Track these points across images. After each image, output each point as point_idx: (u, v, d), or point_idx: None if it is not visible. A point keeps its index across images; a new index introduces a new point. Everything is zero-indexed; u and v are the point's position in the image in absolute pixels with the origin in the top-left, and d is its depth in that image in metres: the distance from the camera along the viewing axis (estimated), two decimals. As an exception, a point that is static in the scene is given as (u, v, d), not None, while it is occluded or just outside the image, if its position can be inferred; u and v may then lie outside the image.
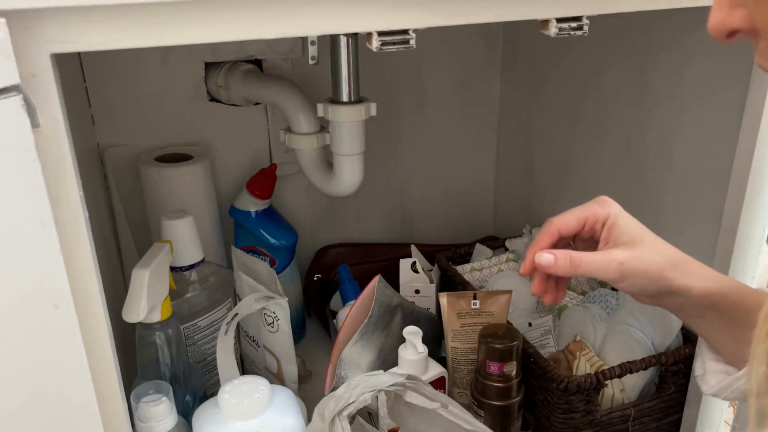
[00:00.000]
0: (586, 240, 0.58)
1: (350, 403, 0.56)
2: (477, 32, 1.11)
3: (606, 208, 0.55)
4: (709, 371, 0.56)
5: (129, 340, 0.71)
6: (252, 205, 0.95)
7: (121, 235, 0.90)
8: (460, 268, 0.98)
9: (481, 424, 0.60)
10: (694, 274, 0.53)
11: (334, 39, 0.78)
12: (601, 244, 0.55)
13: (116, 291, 0.81)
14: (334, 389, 0.74)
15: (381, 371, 0.60)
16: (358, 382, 0.58)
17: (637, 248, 0.53)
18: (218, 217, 0.95)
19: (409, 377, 0.58)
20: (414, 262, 0.94)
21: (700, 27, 0.79)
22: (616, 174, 0.93)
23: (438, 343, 0.88)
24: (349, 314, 0.78)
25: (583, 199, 1.01)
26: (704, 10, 0.61)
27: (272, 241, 0.96)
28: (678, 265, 0.53)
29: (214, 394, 0.65)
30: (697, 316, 0.55)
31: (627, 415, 0.77)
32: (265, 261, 0.94)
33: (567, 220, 0.55)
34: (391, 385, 0.58)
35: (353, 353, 0.75)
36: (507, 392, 0.75)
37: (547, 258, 0.53)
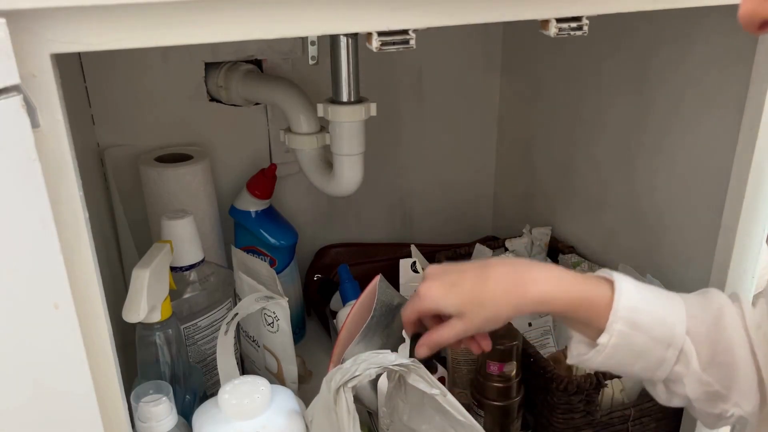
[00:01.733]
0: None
1: (355, 376, 0.58)
2: (477, 32, 1.11)
3: (425, 303, 0.62)
4: (574, 340, 0.62)
5: (129, 340, 0.71)
6: (252, 205, 0.95)
7: (121, 235, 0.90)
8: (460, 268, 0.98)
9: (474, 420, 0.61)
10: (521, 302, 0.59)
11: (334, 39, 0.78)
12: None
13: (116, 291, 0.81)
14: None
15: (388, 350, 0.61)
16: (366, 358, 0.60)
17: (466, 317, 0.60)
18: (218, 217, 0.95)
19: (414, 361, 0.59)
20: (414, 262, 0.94)
21: (700, 27, 0.79)
22: (616, 174, 0.93)
23: (438, 343, 0.88)
24: (349, 314, 0.78)
25: (583, 200, 1.01)
26: (704, 10, 0.61)
27: (272, 241, 0.96)
28: (503, 302, 0.59)
29: (214, 394, 0.65)
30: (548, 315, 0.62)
31: (627, 416, 0.77)
32: (265, 261, 0.94)
33: (408, 316, 0.64)
34: (396, 365, 0.59)
35: (356, 353, 0.75)
36: (507, 392, 0.75)
37: (423, 350, 0.64)
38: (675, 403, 0.60)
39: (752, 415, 0.57)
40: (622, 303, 0.57)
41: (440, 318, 0.64)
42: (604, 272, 0.60)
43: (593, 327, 0.58)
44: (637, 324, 0.57)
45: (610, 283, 0.59)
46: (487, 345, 0.65)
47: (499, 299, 0.59)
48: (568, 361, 0.63)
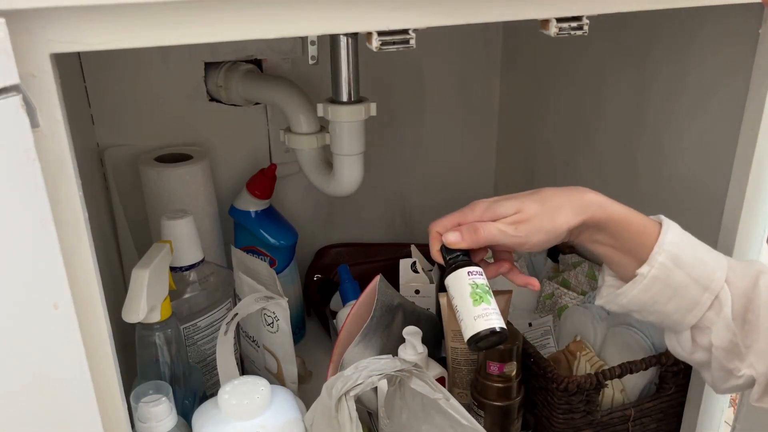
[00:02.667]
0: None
1: (357, 384, 0.58)
2: (477, 32, 1.11)
3: (474, 208, 0.61)
4: (604, 285, 0.63)
5: (129, 340, 0.71)
6: (252, 205, 0.95)
7: (121, 235, 0.90)
8: (460, 268, 0.98)
9: (477, 423, 0.61)
10: (581, 202, 0.59)
11: (334, 39, 0.78)
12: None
13: (116, 291, 0.81)
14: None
15: (390, 356, 0.60)
16: (367, 365, 0.59)
17: (521, 213, 0.58)
18: (218, 217, 0.95)
19: (416, 365, 0.59)
20: (414, 262, 0.94)
21: (700, 27, 0.79)
22: (616, 174, 0.93)
23: (438, 343, 0.88)
24: (350, 314, 0.78)
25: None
26: (704, 10, 0.61)
27: (272, 241, 0.96)
28: (563, 203, 0.58)
29: (214, 394, 0.65)
30: (593, 242, 0.61)
31: (627, 416, 0.77)
32: (265, 261, 0.94)
33: (444, 224, 0.61)
34: (398, 370, 0.59)
35: (356, 354, 0.75)
36: (507, 392, 0.75)
37: (454, 235, 0.60)
38: (696, 357, 0.61)
39: (762, 375, 0.58)
40: (669, 237, 0.58)
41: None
42: (655, 217, 0.61)
43: (636, 256, 0.59)
44: (680, 260, 0.57)
45: (658, 223, 0.60)
46: (535, 283, 0.62)
47: (559, 199, 0.59)
48: (597, 302, 0.63)
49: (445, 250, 0.61)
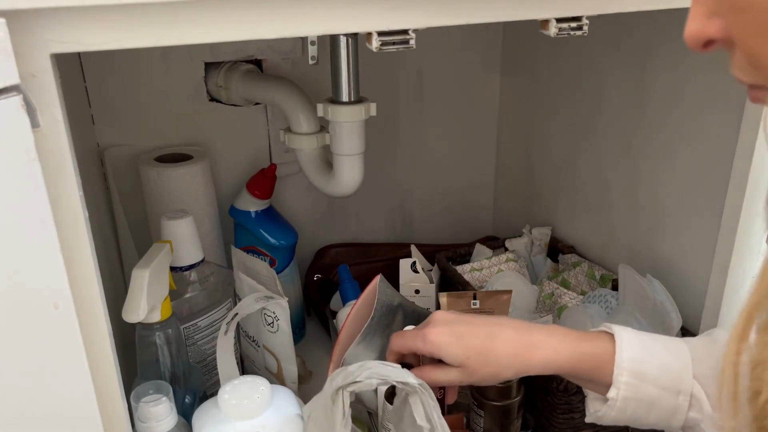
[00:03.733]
0: None
1: (357, 381, 0.58)
2: (477, 32, 1.11)
3: (427, 347, 0.62)
4: (588, 398, 0.62)
5: (129, 340, 0.71)
6: (252, 205, 0.95)
7: (121, 235, 0.90)
8: (460, 268, 0.98)
9: None
10: (526, 366, 0.60)
11: (334, 39, 0.78)
12: None
13: (116, 291, 0.81)
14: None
15: (398, 366, 0.61)
16: (372, 366, 0.60)
17: (466, 369, 0.61)
18: (218, 217, 0.95)
19: (422, 385, 0.59)
20: (414, 262, 0.94)
21: (700, 27, 0.78)
22: (616, 174, 0.93)
23: (438, 343, 0.87)
24: (350, 314, 0.78)
25: (583, 200, 1.01)
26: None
27: (272, 241, 0.96)
28: (507, 364, 0.60)
29: (214, 394, 0.65)
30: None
31: (627, 415, 0.77)
32: (265, 261, 0.94)
33: (399, 348, 0.65)
34: (401, 382, 0.59)
35: (356, 354, 0.75)
36: (507, 392, 0.75)
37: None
38: None
39: None
40: (625, 355, 0.58)
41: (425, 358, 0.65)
42: (604, 326, 0.61)
43: (600, 383, 0.59)
44: (642, 374, 0.57)
45: (611, 336, 0.59)
46: (452, 398, 0.67)
47: (504, 361, 0.60)
48: (587, 420, 0.63)
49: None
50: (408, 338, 0.64)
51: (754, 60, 0.33)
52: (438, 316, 0.64)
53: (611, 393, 0.58)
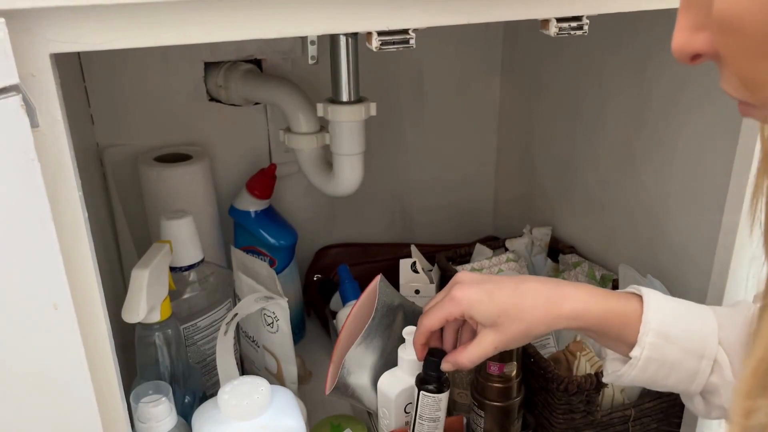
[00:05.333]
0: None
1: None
2: (477, 32, 1.11)
3: (459, 306, 0.61)
4: (608, 359, 0.62)
5: (129, 340, 0.71)
6: (252, 205, 0.95)
7: (120, 235, 0.90)
8: (460, 268, 0.98)
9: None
10: (555, 319, 0.60)
11: (333, 39, 0.78)
12: (477, 328, 0.63)
13: (116, 291, 0.81)
14: (335, 390, 0.74)
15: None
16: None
17: (498, 328, 0.60)
18: (218, 217, 0.95)
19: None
20: (414, 262, 0.94)
21: (701, 27, 0.78)
22: (616, 174, 0.93)
23: (438, 343, 0.87)
24: (350, 314, 0.78)
25: (583, 200, 1.01)
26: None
27: (272, 241, 0.96)
28: (538, 318, 0.59)
29: (214, 394, 0.65)
30: (577, 331, 0.64)
31: (627, 416, 0.77)
32: (264, 261, 0.94)
33: (432, 322, 0.63)
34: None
35: (357, 354, 0.75)
36: (507, 392, 0.75)
37: (447, 365, 0.65)
38: (714, 415, 0.60)
39: None
40: (652, 315, 0.57)
41: (455, 335, 0.64)
42: (633, 288, 0.61)
43: (625, 342, 0.58)
44: (668, 336, 0.57)
45: (640, 297, 0.59)
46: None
47: (535, 314, 0.59)
48: (604, 380, 0.63)
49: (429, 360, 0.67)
50: (437, 309, 0.62)
51: (744, 81, 0.32)
52: (461, 276, 0.63)
53: (635, 352, 0.57)
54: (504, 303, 0.60)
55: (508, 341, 0.61)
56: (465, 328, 0.66)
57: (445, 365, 0.65)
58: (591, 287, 0.61)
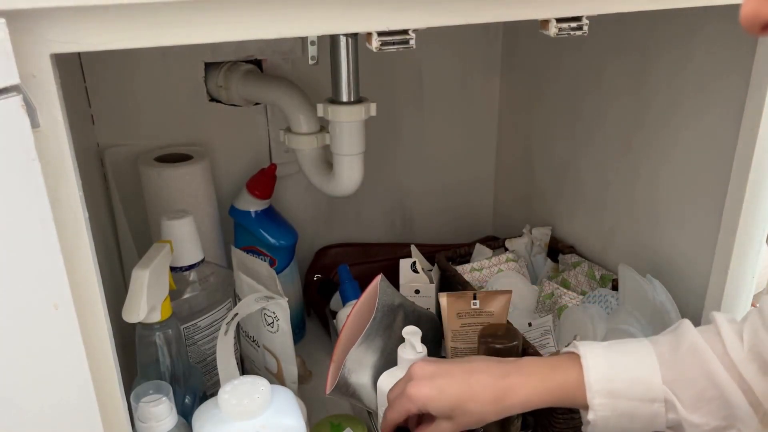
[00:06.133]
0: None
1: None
2: (477, 32, 1.11)
3: (415, 403, 0.64)
4: (582, 413, 0.64)
5: (129, 340, 0.71)
6: (252, 205, 0.95)
7: (121, 235, 0.90)
8: (460, 268, 0.98)
9: None
10: (506, 409, 0.63)
11: (334, 39, 0.78)
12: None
13: (116, 291, 0.81)
14: (336, 389, 0.74)
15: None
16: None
17: (453, 420, 0.63)
18: (218, 217, 0.95)
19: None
20: (414, 262, 0.94)
21: (700, 27, 0.79)
22: (616, 174, 0.93)
23: (438, 343, 0.88)
24: (351, 314, 0.78)
25: (583, 200, 1.01)
26: (704, 10, 0.61)
27: (272, 241, 0.96)
28: (488, 410, 0.63)
29: (214, 394, 0.65)
30: None
31: (627, 415, 0.77)
32: (265, 261, 0.94)
33: (396, 416, 0.66)
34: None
35: (358, 354, 0.75)
36: (507, 392, 0.75)
37: None
38: None
39: None
40: (593, 377, 0.59)
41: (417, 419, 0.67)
42: (572, 347, 0.63)
43: (581, 406, 0.61)
44: (613, 392, 0.59)
45: (579, 358, 0.61)
46: None
47: (485, 408, 0.62)
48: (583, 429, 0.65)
49: None
50: (397, 406, 0.66)
51: None
52: (417, 370, 0.65)
53: (590, 416, 0.60)
54: (455, 398, 0.63)
55: (462, 428, 0.64)
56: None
57: None
58: (534, 366, 0.63)
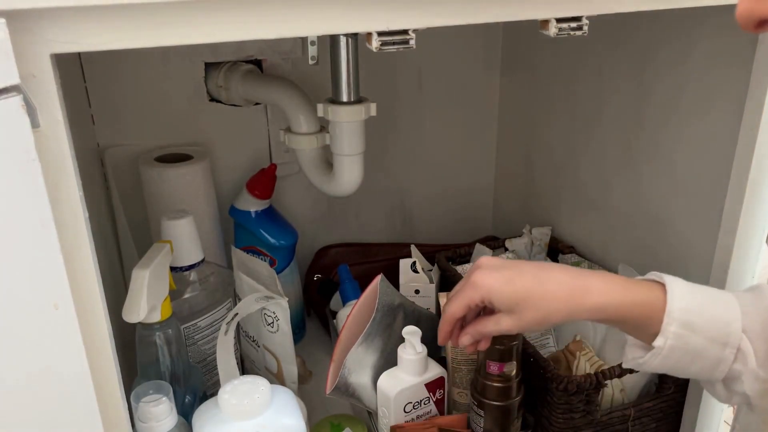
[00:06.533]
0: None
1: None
2: (477, 32, 1.11)
3: (478, 292, 0.61)
4: (627, 345, 0.62)
5: (129, 340, 0.71)
6: (252, 205, 0.95)
7: (121, 235, 0.90)
8: (460, 268, 0.98)
9: None
10: (576, 310, 0.59)
11: (334, 39, 0.78)
12: (495, 310, 0.63)
13: (116, 291, 0.81)
14: (336, 389, 0.74)
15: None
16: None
17: (515, 314, 0.60)
18: (218, 217, 0.95)
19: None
20: (414, 262, 0.94)
21: (700, 27, 0.79)
22: (616, 174, 0.93)
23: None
24: (351, 314, 0.78)
25: (583, 200, 1.01)
26: (703, 10, 0.61)
27: (272, 241, 0.96)
28: (558, 308, 0.59)
29: (214, 394, 0.65)
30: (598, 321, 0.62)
31: (627, 416, 0.77)
32: (265, 261, 0.94)
33: (456, 309, 0.63)
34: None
35: (358, 354, 0.75)
36: (507, 392, 0.75)
37: (466, 338, 0.65)
38: (735, 401, 0.60)
39: None
40: (675, 305, 0.57)
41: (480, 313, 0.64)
42: (654, 275, 0.61)
43: (647, 331, 0.58)
44: (691, 325, 0.57)
45: (662, 286, 0.59)
46: (485, 345, 0.67)
47: (555, 304, 0.59)
48: (624, 365, 0.63)
49: None
50: (459, 296, 0.62)
51: None
52: (483, 261, 0.62)
53: (658, 341, 0.57)
54: (523, 291, 0.59)
55: (524, 327, 0.61)
56: (486, 311, 0.66)
57: (464, 338, 0.64)
58: (613, 277, 0.60)
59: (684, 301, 0.57)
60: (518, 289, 0.59)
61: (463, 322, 0.65)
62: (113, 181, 0.89)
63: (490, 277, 0.60)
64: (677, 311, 0.57)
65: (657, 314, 0.57)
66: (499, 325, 0.61)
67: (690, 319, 0.57)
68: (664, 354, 0.57)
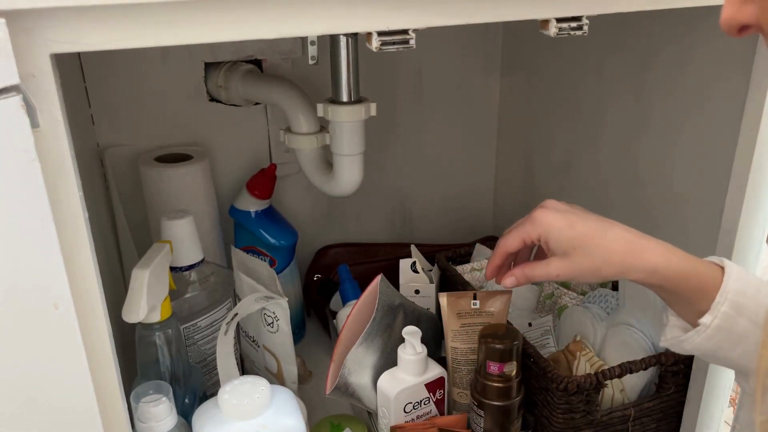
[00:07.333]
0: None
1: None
2: (477, 32, 1.11)
3: (537, 228, 0.60)
4: (669, 325, 0.61)
5: (129, 340, 0.71)
6: (252, 205, 0.95)
7: (121, 235, 0.90)
8: (460, 268, 0.98)
9: None
10: (632, 266, 0.58)
11: (334, 39, 0.78)
12: (548, 253, 0.61)
13: (116, 291, 0.81)
14: (336, 389, 0.74)
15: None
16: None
17: (569, 258, 0.59)
18: (218, 217, 0.95)
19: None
20: (414, 262, 0.94)
21: (700, 27, 0.79)
22: (616, 174, 0.93)
23: (438, 343, 0.88)
24: (351, 314, 0.78)
25: (583, 200, 1.01)
26: (704, 10, 0.61)
27: (272, 241, 0.96)
28: (613, 260, 0.58)
29: (214, 394, 0.65)
30: (647, 286, 0.60)
31: (627, 416, 0.77)
32: (265, 261, 0.94)
33: (510, 242, 0.62)
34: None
35: (358, 354, 0.75)
36: (507, 392, 0.75)
37: (510, 280, 0.63)
38: None
39: None
40: (731, 285, 0.56)
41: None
42: (715, 258, 0.60)
43: (695, 307, 0.57)
44: (742, 308, 0.56)
45: (720, 267, 0.58)
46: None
47: (611, 255, 0.58)
48: (662, 344, 0.62)
49: None
50: (516, 230, 0.61)
51: None
52: (547, 202, 0.62)
53: (705, 319, 0.56)
54: (583, 235, 0.58)
55: (575, 274, 0.59)
56: (539, 254, 0.64)
57: (508, 279, 0.63)
58: (675, 247, 0.59)
59: (740, 283, 0.57)
60: (578, 233, 0.58)
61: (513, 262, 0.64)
62: (113, 181, 0.89)
63: (552, 216, 0.60)
64: (732, 292, 0.56)
65: (710, 291, 0.56)
66: (549, 268, 0.59)
67: (742, 302, 0.56)
68: (708, 333, 0.56)
